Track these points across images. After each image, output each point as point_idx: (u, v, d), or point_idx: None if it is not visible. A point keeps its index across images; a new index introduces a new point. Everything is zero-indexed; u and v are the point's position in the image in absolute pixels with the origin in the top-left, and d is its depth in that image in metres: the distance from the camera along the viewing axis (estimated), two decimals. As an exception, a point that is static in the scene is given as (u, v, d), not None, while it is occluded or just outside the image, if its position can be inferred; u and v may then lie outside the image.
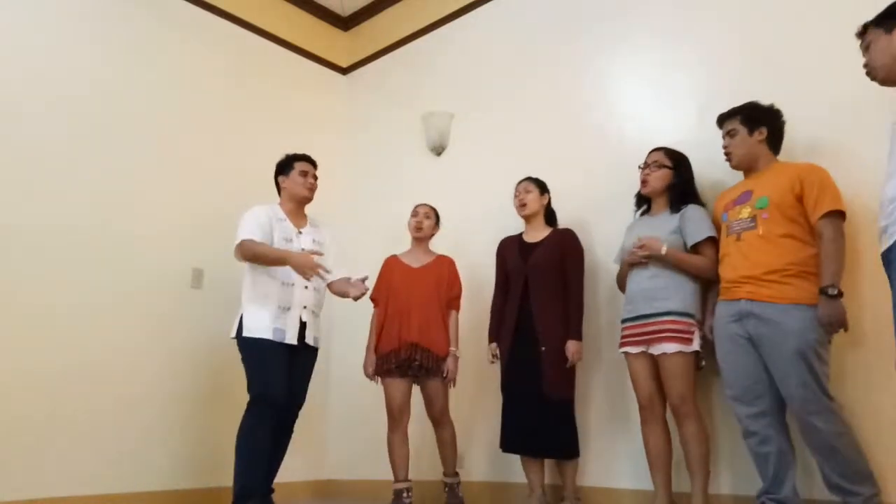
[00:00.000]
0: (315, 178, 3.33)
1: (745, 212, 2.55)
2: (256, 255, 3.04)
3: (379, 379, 3.43)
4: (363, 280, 3.13)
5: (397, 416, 3.35)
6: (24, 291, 3.20)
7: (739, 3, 3.17)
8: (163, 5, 4.05)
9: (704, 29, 3.27)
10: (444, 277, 3.48)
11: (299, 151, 3.35)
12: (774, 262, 2.42)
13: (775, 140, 2.64)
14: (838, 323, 2.27)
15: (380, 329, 3.43)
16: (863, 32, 2.09)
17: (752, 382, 2.45)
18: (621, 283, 3.03)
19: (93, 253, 3.47)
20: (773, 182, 2.51)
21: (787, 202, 2.44)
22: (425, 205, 3.62)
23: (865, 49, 2.07)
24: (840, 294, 2.26)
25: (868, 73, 2.07)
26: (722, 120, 2.71)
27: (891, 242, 1.81)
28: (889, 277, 1.85)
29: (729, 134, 2.67)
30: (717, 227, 2.72)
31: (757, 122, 2.62)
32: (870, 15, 2.07)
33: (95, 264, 3.47)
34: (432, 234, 3.62)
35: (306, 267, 2.96)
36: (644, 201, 3.05)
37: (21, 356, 3.14)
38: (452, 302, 3.48)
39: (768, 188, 2.51)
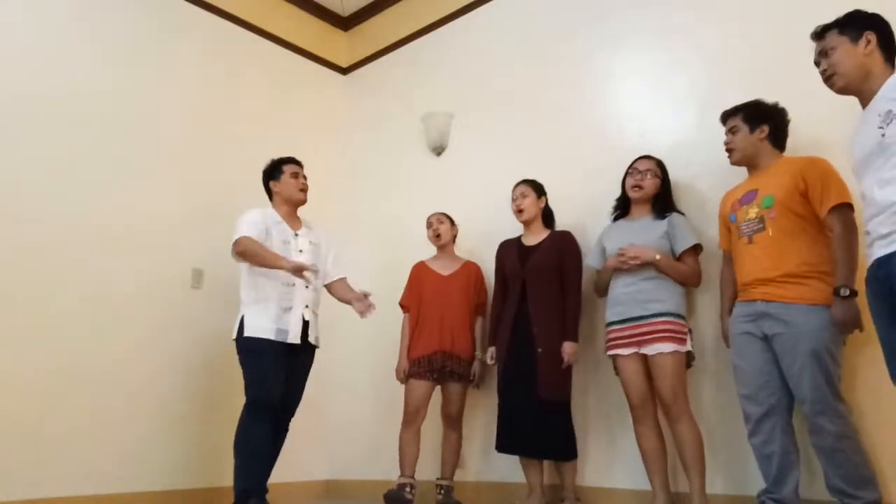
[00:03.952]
0: (305, 177, 3.35)
1: (753, 212, 2.54)
2: (254, 254, 3.01)
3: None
4: (366, 296, 3.18)
5: (413, 414, 3.42)
6: (24, 291, 3.20)
7: (739, 3, 3.17)
8: (162, 5, 4.05)
9: (704, 29, 3.27)
10: (471, 284, 3.59)
11: (284, 155, 3.37)
12: (788, 263, 2.41)
13: (778, 138, 2.64)
14: (852, 323, 2.24)
15: (412, 334, 3.51)
16: (820, 36, 2.06)
17: (764, 381, 2.44)
18: (602, 287, 3.06)
19: (92, 253, 3.46)
20: (777, 180, 2.51)
21: (792, 200, 2.43)
22: (436, 213, 3.68)
23: (823, 54, 2.05)
24: (854, 294, 2.21)
25: (827, 80, 2.04)
26: (725, 117, 2.73)
27: (892, 249, 1.75)
28: (889, 284, 1.78)
29: (731, 131, 2.69)
30: (726, 228, 2.71)
31: (758, 120, 2.62)
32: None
33: (95, 264, 3.46)
34: (454, 237, 3.70)
35: (300, 272, 2.96)
36: (623, 205, 3.11)
37: (21, 356, 3.14)
38: (479, 308, 3.59)
39: (772, 186, 2.51)
